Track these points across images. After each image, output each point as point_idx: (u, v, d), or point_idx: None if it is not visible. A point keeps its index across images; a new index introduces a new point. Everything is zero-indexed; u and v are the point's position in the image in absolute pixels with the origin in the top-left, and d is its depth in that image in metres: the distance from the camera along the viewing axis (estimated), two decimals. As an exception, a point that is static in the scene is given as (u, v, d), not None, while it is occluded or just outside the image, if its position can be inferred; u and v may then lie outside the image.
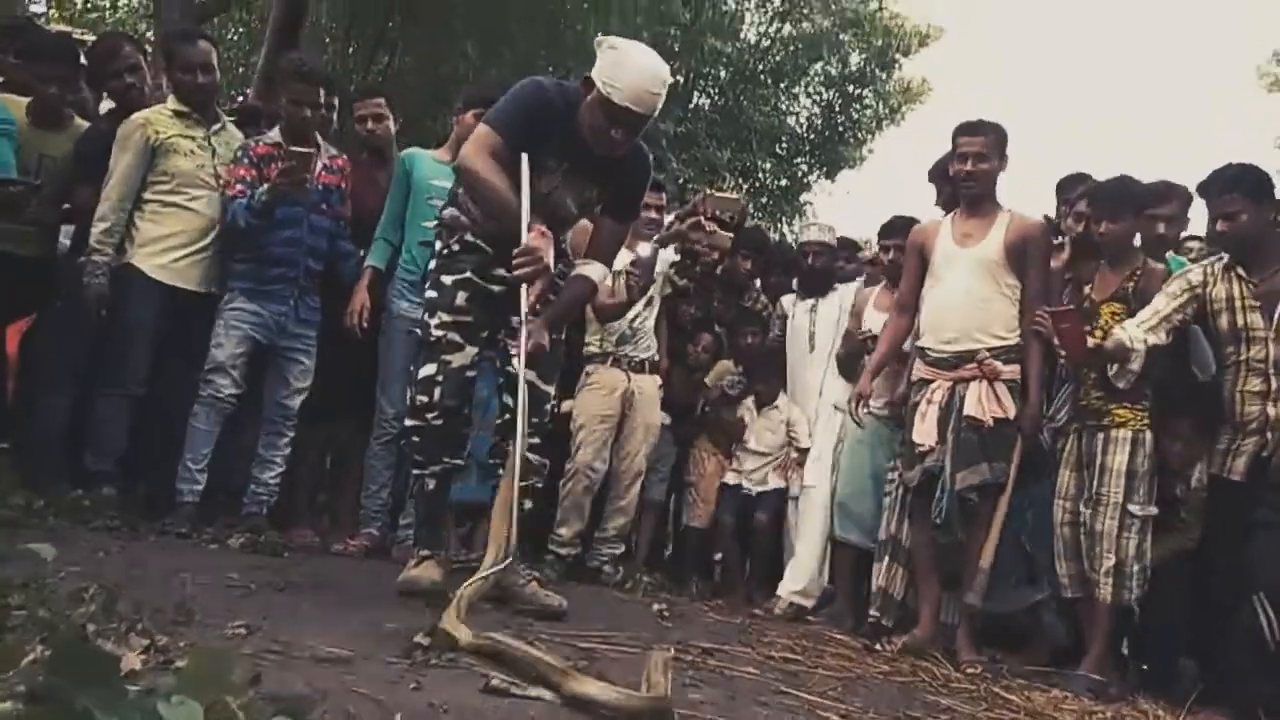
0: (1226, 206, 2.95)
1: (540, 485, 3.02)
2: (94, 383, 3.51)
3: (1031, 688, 2.76)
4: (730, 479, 4.29)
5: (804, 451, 4.14)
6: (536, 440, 2.86)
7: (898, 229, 3.91)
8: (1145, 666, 3.30)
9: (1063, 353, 3.06)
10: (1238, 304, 2.99)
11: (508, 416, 2.87)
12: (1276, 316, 2.91)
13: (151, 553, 2.74)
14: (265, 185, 3.45)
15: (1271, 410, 2.91)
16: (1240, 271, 2.99)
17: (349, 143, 4.26)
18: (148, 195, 3.53)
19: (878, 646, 3.11)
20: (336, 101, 3.94)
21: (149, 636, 1.58)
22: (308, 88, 3.63)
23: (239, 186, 3.50)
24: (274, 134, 3.66)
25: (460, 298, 2.82)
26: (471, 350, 2.82)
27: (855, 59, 14.25)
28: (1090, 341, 3.00)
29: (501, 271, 2.79)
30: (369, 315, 3.66)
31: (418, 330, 3.61)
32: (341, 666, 1.71)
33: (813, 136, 14.58)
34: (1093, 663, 2.96)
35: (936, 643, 3.17)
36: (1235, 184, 2.95)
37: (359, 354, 3.73)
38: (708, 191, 5.21)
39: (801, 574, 3.95)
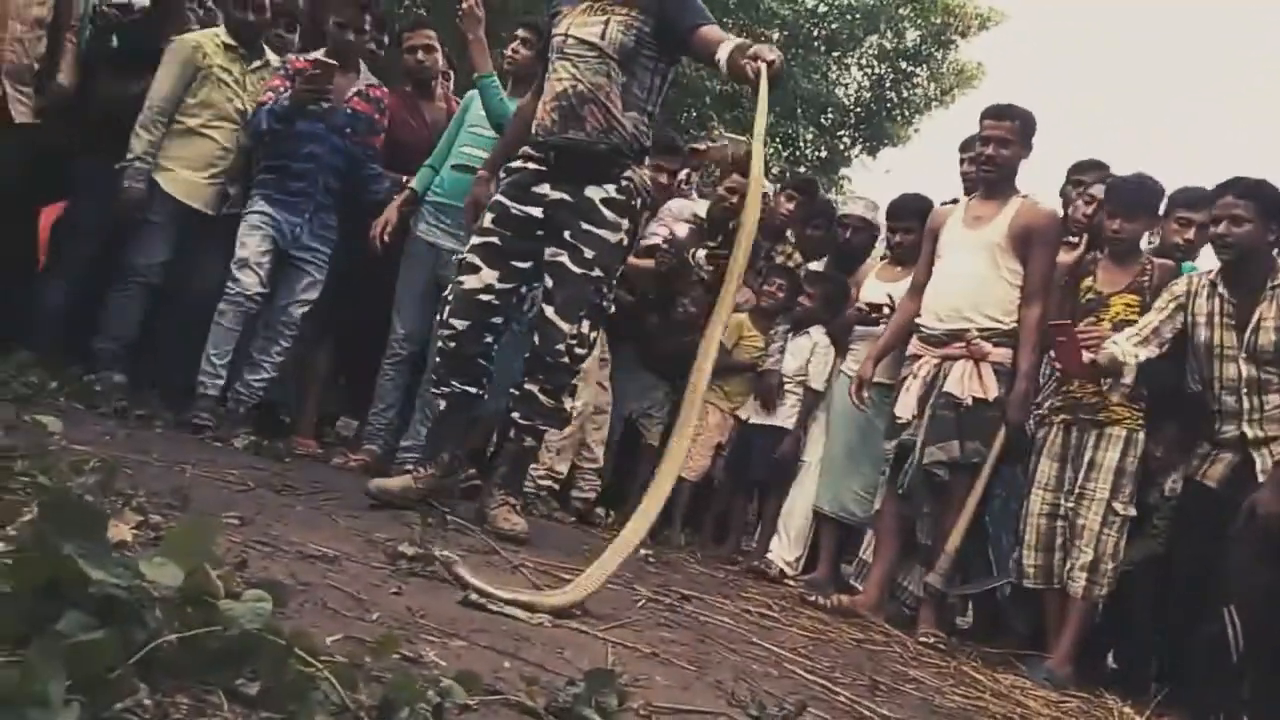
0: (1234, 210, 2.91)
1: (545, 429, 2.94)
2: (111, 273, 3.66)
3: (998, 670, 2.80)
4: (743, 412, 4.30)
5: (816, 394, 4.13)
6: (546, 382, 2.78)
7: (908, 210, 3.88)
8: (1114, 665, 3.34)
9: (1058, 365, 3.05)
10: (1216, 320, 2.98)
11: (530, 356, 2.84)
12: (1248, 335, 2.90)
13: (156, 442, 2.81)
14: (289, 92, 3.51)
15: (1246, 429, 2.90)
16: (1222, 290, 2.97)
17: (392, 73, 4.29)
18: (181, 115, 3.66)
19: (816, 598, 3.18)
20: (386, 37, 4.06)
21: (143, 514, 1.63)
22: (353, 11, 3.68)
23: (269, 94, 3.59)
24: (318, 54, 3.69)
25: (487, 219, 2.83)
26: (490, 274, 2.78)
27: (912, 35, 13.98)
28: (1086, 356, 2.98)
29: (544, 189, 2.78)
30: (392, 235, 3.69)
31: (435, 253, 3.68)
32: (326, 565, 1.75)
33: (859, 110, 14.38)
34: (1060, 655, 2.99)
35: (881, 610, 3.23)
36: (1250, 193, 2.92)
37: (382, 273, 3.77)
38: (717, 133, 5.15)
39: (792, 543, 4.01)
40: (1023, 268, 3.24)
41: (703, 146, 4.90)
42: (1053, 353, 3.08)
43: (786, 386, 4.20)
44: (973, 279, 3.27)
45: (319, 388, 3.99)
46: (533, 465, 3.76)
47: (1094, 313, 3.21)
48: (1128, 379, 3.00)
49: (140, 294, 3.65)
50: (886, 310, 3.72)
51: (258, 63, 3.78)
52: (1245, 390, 2.91)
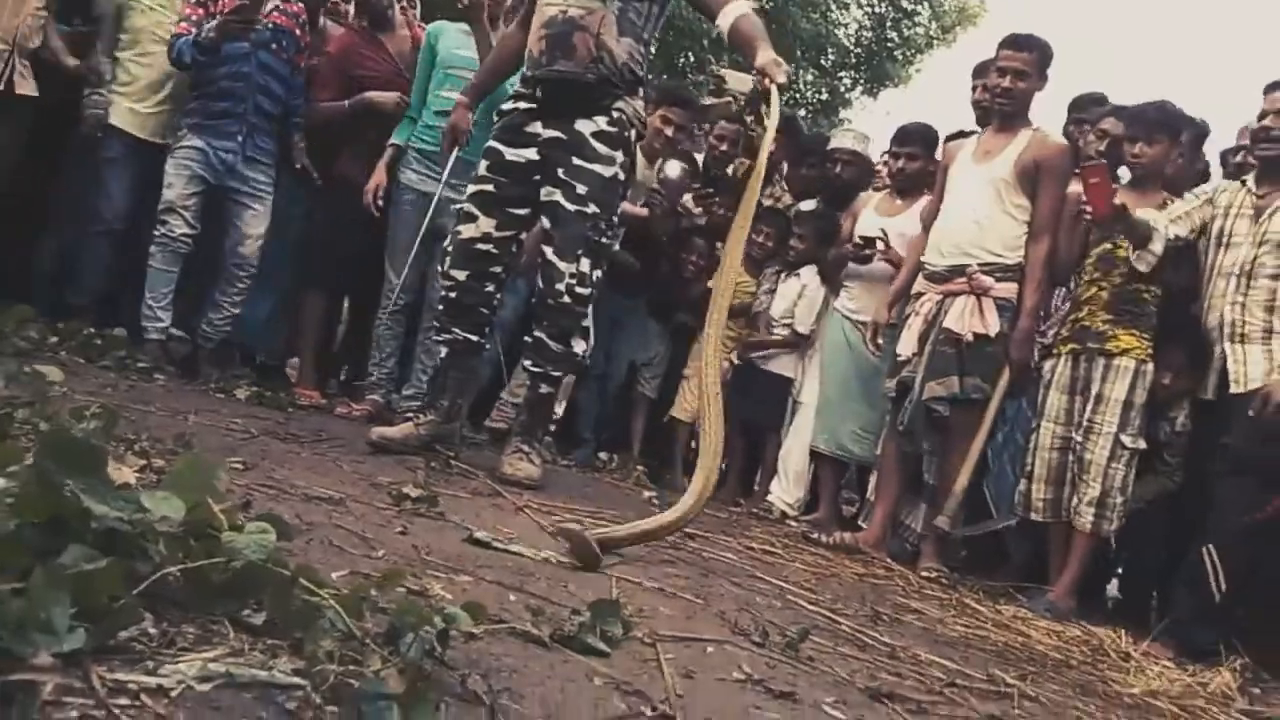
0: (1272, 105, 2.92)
1: (559, 374, 2.86)
2: (77, 224, 3.71)
3: (1000, 602, 2.83)
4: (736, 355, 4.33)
5: (800, 336, 4.13)
6: (551, 326, 2.73)
7: (913, 137, 3.82)
8: (1119, 596, 3.37)
9: (1089, 209, 3.03)
10: (1233, 210, 3.02)
11: (535, 300, 2.84)
12: (1262, 219, 2.94)
13: (158, 393, 2.82)
14: (213, 21, 3.49)
15: (1228, 312, 2.93)
16: (1251, 185, 3.01)
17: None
18: (118, 52, 3.70)
19: (817, 536, 3.21)
20: None
21: (145, 457, 1.63)
22: None
23: (184, 24, 3.57)
24: None
25: (482, 167, 2.80)
26: (487, 222, 2.75)
27: (913, -29, 13.73)
28: (1117, 200, 2.95)
29: (536, 128, 2.73)
30: (384, 192, 3.68)
31: (426, 201, 3.64)
32: (331, 506, 1.76)
33: (860, 50, 14.16)
34: (1062, 587, 3.01)
35: (883, 547, 3.26)
36: None
37: (372, 224, 3.75)
38: (724, 69, 5.03)
39: (792, 485, 4.04)
40: (1030, 203, 3.21)
41: (708, 102, 4.77)
42: (1083, 195, 3.05)
43: (774, 329, 4.20)
44: (978, 214, 3.24)
45: (314, 338, 3.99)
46: None
47: (1112, 240, 3.17)
48: (1157, 247, 2.99)
49: (105, 242, 3.68)
50: (880, 245, 3.69)
51: None
52: (1238, 274, 2.93)
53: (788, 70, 2.50)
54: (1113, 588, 3.68)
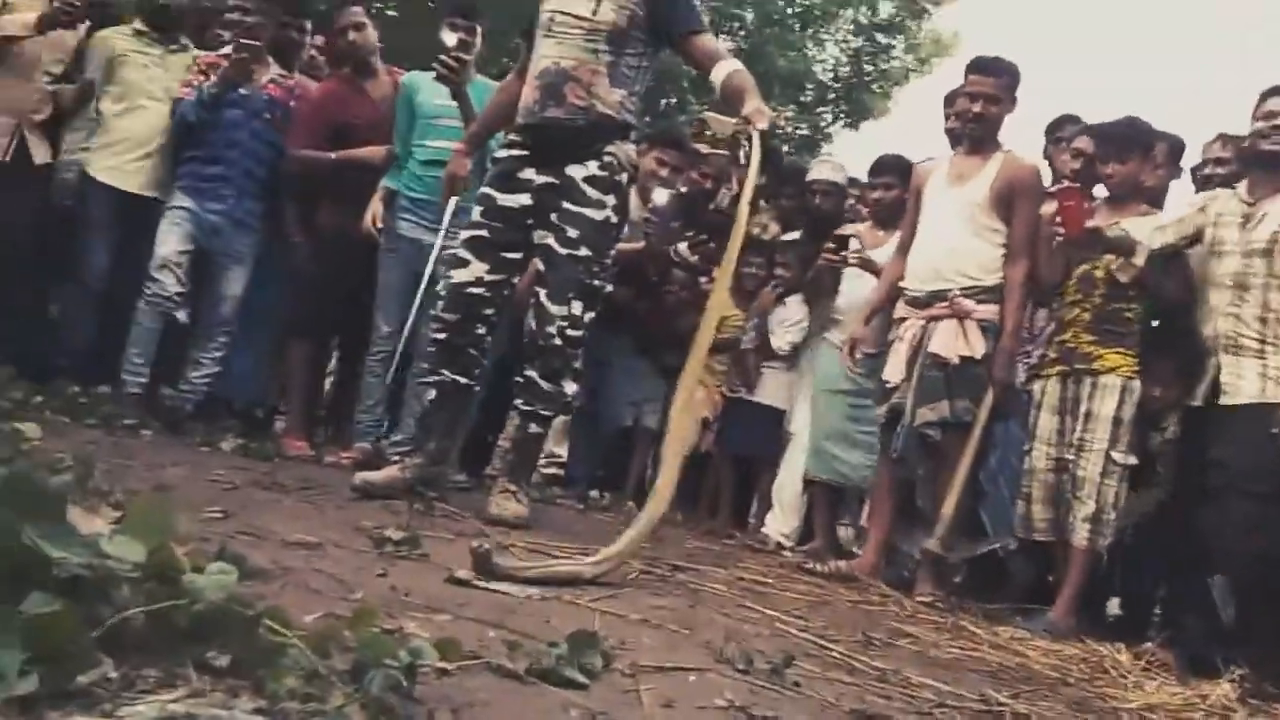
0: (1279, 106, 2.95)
1: (548, 414, 2.87)
2: (58, 282, 3.76)
3: (996, 624, 2.80)
4: (728, 389, 4.33)
5: (782, 354, 4.18)
6: (543, 366, 2.73)
7: (888, 167, 3.88)
8: (1120, 612, 3.35)
9: (1062, 231, 3.06)
10: (1225, 219, 3.02)
11: (526, 340, 2.82)
12: (1249, 229, 2.94)
13: (141, 448, 2.81)
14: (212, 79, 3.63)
15: (1222, 324, 2.93)
16: (1242, 194, 3.02)
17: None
18: (102, 105, 3.78)
19: (810, 564, 3.18)
20: (308, 25, 4.19)
21: (121, 509, 1.62)
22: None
23: (187, 89, 3.70)
24: (227, 49, 3.77)
25: (475, 212, 2.85)
26: (480, 266, 2.78)
27: (886, 7, 13.97)
28: (1090, 222, 2.99)
29: (529, 174, 2.78)
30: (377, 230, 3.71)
31: (417, 248, 3.66)
32: (311, 550, 1.75)
33: (838, 85, 14.37)
34: (1062, 606, 2.99)
35: (878, 574, 3.23)
36: None
37: (358, 271, 3.76)
38: (706, 112, 5.11)
39: (787, 515, 4.02)
40: (1005, 225, 3.24)
41: (704, 150, 4.81)
42: (1057, 217, 3.08)
43: (766, 362, 4.21)
44: (954, 238, 3.26)
45: (303, 387, 3.98)
46: None
47: (1091, 260, 3.19)
48: (1139, 260, 3.02)
49: (89, 301, 3.72)
50: (854, 244, 3.72)
51: (175, 47, 3.87)
52: (1230, 284, 2.94)
53: (772, 116, 2.61)
54: (1114, 605, 3.65)
